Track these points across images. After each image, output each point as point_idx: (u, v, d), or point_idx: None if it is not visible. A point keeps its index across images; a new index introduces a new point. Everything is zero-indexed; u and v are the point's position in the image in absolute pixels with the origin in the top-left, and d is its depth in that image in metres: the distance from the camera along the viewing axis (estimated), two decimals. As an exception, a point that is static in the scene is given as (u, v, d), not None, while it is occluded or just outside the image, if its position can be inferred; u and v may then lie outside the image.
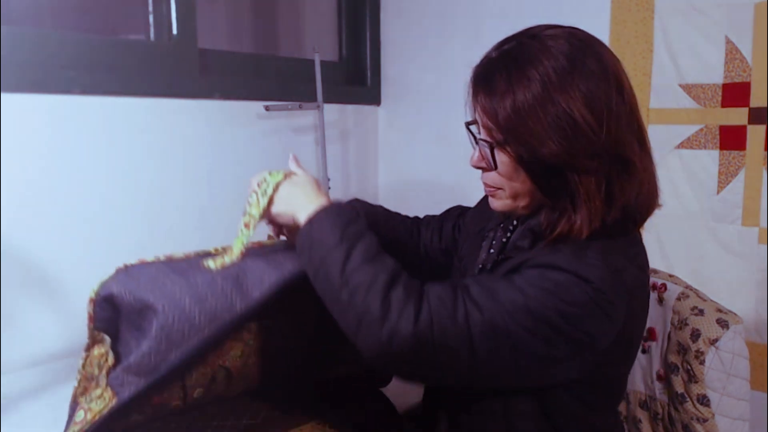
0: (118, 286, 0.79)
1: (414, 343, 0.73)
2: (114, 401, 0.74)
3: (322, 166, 1.58)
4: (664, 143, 1.36)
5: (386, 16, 1.85)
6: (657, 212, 1.21)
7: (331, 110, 1.73)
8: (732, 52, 1.26)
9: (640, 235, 0.89)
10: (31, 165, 1.17)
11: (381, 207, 1.16)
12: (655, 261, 1.37)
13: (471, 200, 1.11)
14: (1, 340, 1.15)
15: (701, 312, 0.97)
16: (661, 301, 1.03)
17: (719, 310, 0.96)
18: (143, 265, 0.82)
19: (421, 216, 1.20)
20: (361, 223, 0.83)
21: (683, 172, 1.35)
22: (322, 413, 0.94)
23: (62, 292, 1.22)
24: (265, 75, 1.65)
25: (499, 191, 0.86)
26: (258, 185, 0.87)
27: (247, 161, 1.48)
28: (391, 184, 1.89)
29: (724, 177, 1.30)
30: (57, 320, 1.21)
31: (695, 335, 0.95)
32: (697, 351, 0.94)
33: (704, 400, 0.94)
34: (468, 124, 0.91)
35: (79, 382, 0.84)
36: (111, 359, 0.80)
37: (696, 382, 0.94)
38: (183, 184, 1.39)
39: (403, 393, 1.26)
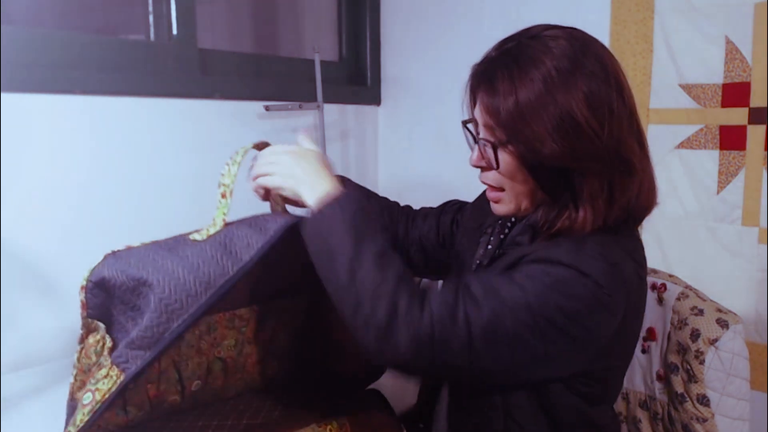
0: (108, 269, 0.79)
1: (416, 345, 0.73)
2: (122, 377, 0.74)
3: (322, 166, 1.58)
4: (664, 143, 1.36)
5: (386, 16, 1.85)
6: (657, 212, 1.22)
7: (331, 110, 1.73)
8: (732, 52, 1.26)
9: (637, 232, 0.90)
10: (31, 165, 1.17)
11: (367, 189, 1.16)
12: (655, 261, 1.37)
13: (471, 199, 1.11)
14: (1, 340, 1.15)
15: (701, 312, 0.97)
16: (660, 301, 1.03)
17: (719, 310, 0.96)
18: (131, 249, 0.83)
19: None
20: (373, 217, 0.82)
21: (683, 172, 1.35)
22: (322, 413, 0.94)
23: (62, 292, 1.22)
24: (265, 75, 1.65)
25: (503, 196, 0.86)
26: (231, 157, 0.87)
27: (247, 161, 1.47)
28: (391, 184, 1.89)
29: (724, 177, 1.30)
30: (57, 320, 1.21)
31: (695, 335, 0.95)
32: (697, 351, 0.94)
33: (704, 400, 0.94)
34: (465, 123, 0.91)
35: (75, 377, 0.84)
36: (109, 342, 0.80)
37: (696, 382, 0.94)
38: (183, 184, 1.39)
39: (401, 395, 1.27)
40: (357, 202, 0.81)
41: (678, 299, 1.01)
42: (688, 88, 1.33)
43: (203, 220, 0.84)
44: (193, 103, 1.41)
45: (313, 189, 0.82)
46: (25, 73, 1.15)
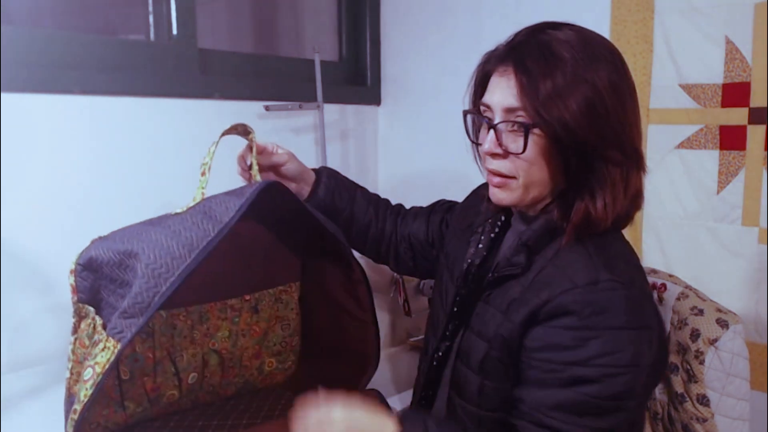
0: (96, 249, 0.82)
1: None
2: (119, 346, 0.75)
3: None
4: (664, 143, 1.36)
5: (386, 16, 1.85)
6: (657, 212, 1.24)
7: (331, 110, 1.73)
8: (732, 52, 1.26)
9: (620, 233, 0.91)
10: (31, 165, 1.17)
11: (353, 183, 1.16)
12: (655, 261, 1.37)
13: (471, 200, 1.11)
14: (1, 340, 1.15)
15: (701, 312, 0.97)
16: (660, 301, 1.03)
17: (719, 310, 0.96)
18: (116, 231, 0.86)
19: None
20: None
21: (683, 172, 1.35)
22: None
23: (63, 293, 1.22)
24: (265, 75, 1.65)
25: (511, 182, 0.85)
26: (214, 142, 0.92)
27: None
28: (391, 184, 1.89)
29: (724, 177, 1.30)
30: (57, 320, 1.21)
31: (695, 335, 0.95)
32: (697, 351, 0.94)
33: (704, 400, 0.94)
34: (470, 111, 0.90)
35: (71, 370, 0.85)
36: (99, 321, 0.81)
37: (696, 382, 0.94)
38: (184, 183, 1.38)
39: (399, 396, 1.27)
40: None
41: (678, 299, 1.01)
42: (688, 88, 1.33)
43: (203, 219, 0.86)
44: (193, 103, 1.41)
45: None
46: (25, 73, 1.15)
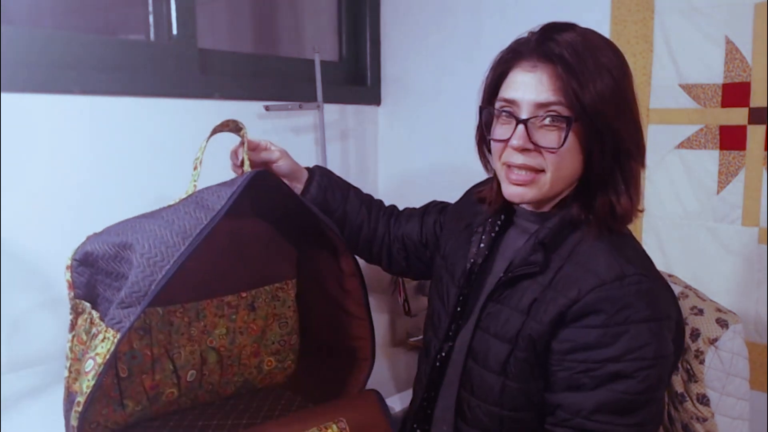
0: (91, 244, 0.83)
1: None
2: (118, 336, 0.76)
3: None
4: (664, 143, 1.36)
5: (386, 16, 1.85)
6: (657, 212, 1.24)
7: (331, 110, 1.73)
8: (732, 52, 1.26)
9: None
10: (31, 165, 1.17)
11: (346, 182, 1.17)
12: (655, 261, 1.36)
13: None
14: (1, 340, 1.15)
15: (701, 312, 0.97)
16: (660, 300, 1.03)
17: (718, 310, 0.96)
18: (110, 225, 0.87)
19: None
20: None
21: (683, 172, 1.35)
22: (322, 414, 0.94)
23: (62, 293, 1.22)
24: (265, 75, 1.65)
25: (540, 176, 0.85)
26: (206, 138, 0.96)
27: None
28: (391, 184, 1.89)
29: (724, 177, 1.30)
30: (57, 320, 1.21)
31: (695, 335, 0.95)
32: (697, 350, 0.94)
33: (704, 400, 0.94)
34: (487, 107, 0.90)
35: (70, 368, 0.85)
36: (96, 314, 0.82)
37: (696, 381, 0.94)
38: (183, 183, 1.38)
39: (398, 396, 1.27)
40: None
41: (678, 299, 1.01)
42: (688, 88, 1.33)
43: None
44: (193, 103, 1.41)
45: None
46: (25, 73, 1.15)
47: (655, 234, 1.39)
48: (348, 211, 1.14)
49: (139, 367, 0.95)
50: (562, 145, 0.82)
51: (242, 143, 1.00)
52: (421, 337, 1.43)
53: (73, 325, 0.86)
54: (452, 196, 1.18)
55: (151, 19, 1.42)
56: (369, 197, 1.20)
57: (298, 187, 1.10)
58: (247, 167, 1.00)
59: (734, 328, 0.94)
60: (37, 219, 1.19)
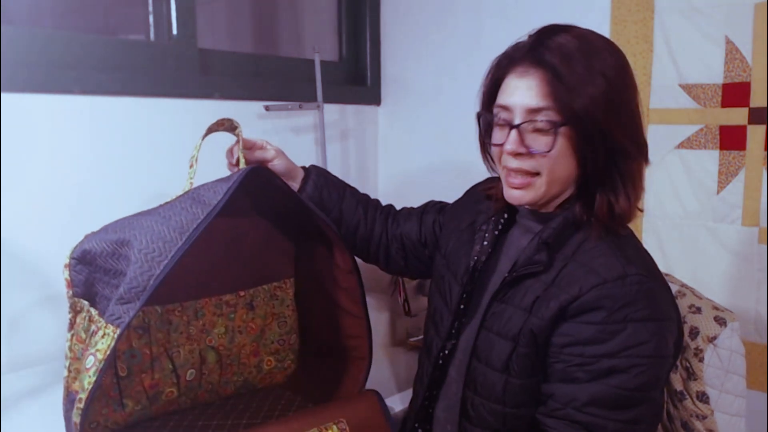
0: (89, 242, 0.84)
1: None
2: (118, 331, 0.76)
3: (322, 166, 1.58)
4: (664, 143, 1.36)
5: (386, 16, 1.85)
6: (657, 212, 1.24)
7: (331, 110, 1.73)
8: (732, 52, 1.26)
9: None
10: (31, 165, 1.17)
11: (341, 181, 1.18)
12: (655, 261, 1.37)
13: (471, 200, 1.11)
14: (1, 340, 1.15)
15: (698, 310, 0.97)
16: (660, 300, 1.03)
17: (715, 308, 0.97)
18: (108, 224, 0.88)
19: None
20: None
21: (683, 172, 1.35)
22: (322, 414, 0.94)
23: (62, 293, 1.22)
24: (265, 75, 1.65)
25: (534, 180, 0.87)
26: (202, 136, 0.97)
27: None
28: (391, 184, 1.89)
29: (724, 177, 1.30)
30: (57, 320, 1.21)
31: (694, 333, 0.95)
32: (696, 348, 0.94)
33: (704, 397, 0.94)
34: (484, 113, 0.91)
35: (69, 368, 0.85)
36: (95, 311, 0.82)
37: (695, 379, 0.95)
38: (183, 183, 1.39)
39: (398, 396, 1.27)
40: None
41: (675, 298, 1.01)
42: (688, 88, 1.33)
43: (203, 219, 0.86)
44: (193, 103, 1.41)
45: None
46: (25, 73, 1.15)
47: (655, 234, 1.39)
48: (344, 211, 1.14)
49: (139, 366, 0.95)
50: (552, 149, 0.83)
51: (238, 142, 1.01)
52: (421, 337, 1.43)
53: (71, 324, 0.86)
54: (452, 196, 1.18)
55: (151, 19, 1.42)
56: (366, 197, 1.20)
57: (294, 186, 1.11)
58: (242, 166, 1.00)
59: (732, 326, 0.94)
60: (37, 219, 1.19)
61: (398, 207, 1.23)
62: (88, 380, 0.76)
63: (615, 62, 0.84)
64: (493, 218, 0.99)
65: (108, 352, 0.76)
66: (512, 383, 0.87)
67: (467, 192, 1.14)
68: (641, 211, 0.91)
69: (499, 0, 1.58)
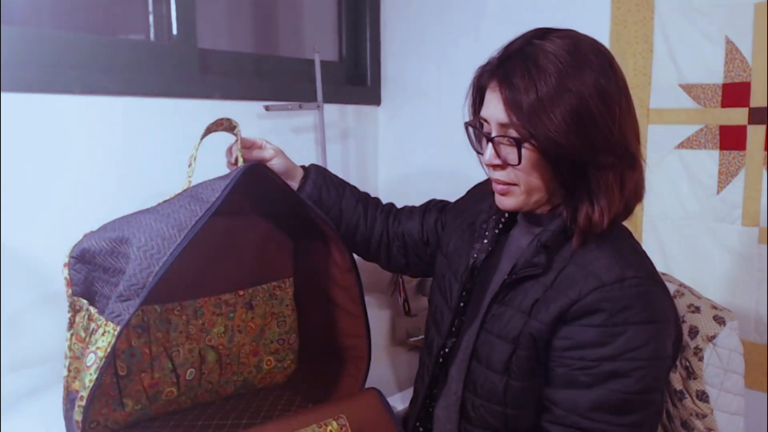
0: (88, 241, 0.84)
1: None
2: (118, 329, 0.77)
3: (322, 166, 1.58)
4: (664, 143, 1.36)
5: (386, 16, 1.85)
6: (657, 212, 1.24)
7: (331, 110, 1.73)
8: (732, 52, 1.26)
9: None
10: (31, 165, 1.17)
11: (341, 180, 1.18)
12: (655, 261, 1.36)
13: (470, 200, 1.11)
14: (1, 340, 1.15)
15: (697, 309, 0.97)
16: (659, 300, 1.03)
17: (714, 307, 0.97)
18: (106, 222, 0.88)
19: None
20: None
21: (683, 172, 1.35)
22: (322, 413, 0.94)
23: (62, 292, 1.22)
24: (265, 75, 1.65)
25: (514, 188, 0.88)
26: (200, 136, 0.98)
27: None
28: (390, 184, 1.89)
29: (724, 177, 1.30)
30: (57, 320, 1.21)
31: (693, 332, 0.95)
32: (696, 348, 0.94)
33: (703, 396, 0.94)
34: (470, 124, 0.92)
35: (69, 367, 0.85)
36: (94, 309, 0.83)
37: (695, 378, 0.95)
38: (183, 183, 1.39)
39: (399, 394, 1.27)
40: None
41: (674, 297, 1.01)
42: (688, 88, 1.33)
43: (203, 219, 0.86)
44: (193, 103, 1.41)
45: None
46: (25, 73, 1.15)
47: (655, 234, 1.39)
48: (344, 209, 1.14)
49: (138, 366, 0.95)
50: (520, 162, 0.84)
51: (237, 141, 1.01)
52: (421, 336, 1.43)
53: (71, 324, 0.86)
54: (452, 196, 1.18)
55: (151, 19, 1.42)
56: (366, 195, 1.20)
57: (293, 185, 1.11)
58: (241, 165, 1.00)
59: (731, 325, 0.95)
60: (37, 219, 1.19)
61: (399, 207, 1.23)
62: (89, 378, 0.76)
63: (595, 77, 0.81)
64: (493, 217, 1.00)
65: (109, 350, 0.76)
66: (513, 385, 0.87)
67: (469, 191, 1.14)
68: (630, 213, 0.89)
69: (498, 0, 1.58)
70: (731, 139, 1.29)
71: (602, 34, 1.40)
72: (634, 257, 0.87)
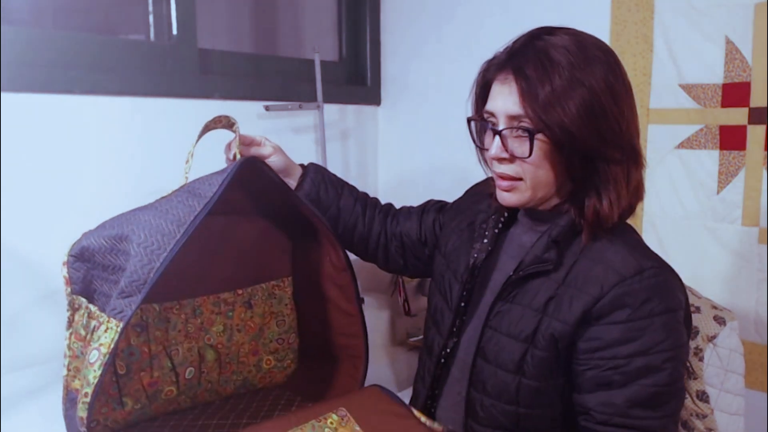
0: (87, 239, 0.85)
1: None
2: (121, 325, 0.77)
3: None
4: (664, 143, 1.36)
5: (386, 16, 1.85)
6: (657, 212, 1.23)
7: (331, 110, 1.73)
8: (732, 52, 1.26)
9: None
10: (31, 165, 1.17)
11: (339, 179, 1.18)
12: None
13: (471, 200, 1.11)
14: (1, 340, 1.15)
15: (698, 309, 0.97)
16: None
17: (714, 307, 0.97)
18: (105, 221, 0.88)
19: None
20: None
21: (683, 172, 1.35)
22: (322, 410, 0.93)
23: (62, 293, 1.22)
24: (265, 75, 1.65)
25: (519, 183, 0.88)
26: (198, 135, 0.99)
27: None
28: (391, 184, 1.89)
29: (724, 177, 1.30)
30: (57, 320, 1.21)
31: (694, 332, 0.95)
32: (696, 348, 0.94)
33: (703, 396, 0.94)
34: (473, 118, 0.92)
35: (68, 366, 0.85)
36: (94, 307, 0.83)
37: (695, 378, 0.95)
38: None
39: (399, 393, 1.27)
40: None
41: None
42: (688, 88, 1.33)
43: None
44: (193, 103, 1.40)
45: None
46: (25, 73, 1.15)
47: (655, 234, 1.39)
48: (342, 208, 1.14)
49: (137, 364, 0.95)
50: (531, 154, 0.84)
51: (235, 138, 1.02)
52: (421, 336, 1.43)
53: (70, 322, 0.87)
54: (452, 196, 1.18)
55: (151, 19, 1.42)
56: (364, 195, 1.20)
57: (291, 183, 1.11)
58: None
59: (731, 325, 0.95)
60: (38, 219, 1.19)
61: (398, 207, 1.23)
62: (93, 374, 0.76)
63: (604, 72, 0.83)
64: (493, 216, 1.00)
65: (112, 346, 0.76)
66: (526, 384, 0.87)
67: (467, 191, 1.14)
68: (633, 212, 0.90)
69: (499, 0, 1.58)
70: (731, 139, 1.29)
71: (602, 34, 1.39)
72: (645, 248, 0.89)
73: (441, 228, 1.13)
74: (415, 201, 1.23)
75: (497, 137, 0.87)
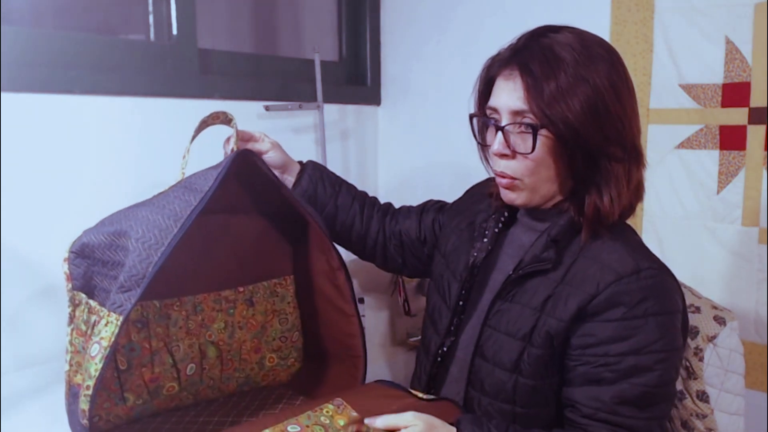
0: (87, 236, 0.86)
1: None
2: (121, 318, 0.78)
3: (322, 166, 1.58)
4: (664, 143, 1.36)
5: (386, 16, 1.85)
6: (657, 212, 1.23)
7: (331, 110, 1.73)
8: (732, 52, 1.26)
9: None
10: (31, 165, 1.17)
11: (338, 177, 1.18)
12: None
13: (471, 200, 1.11)
14: (1, 340, 1.15)
15: (698, 309, 0.97)
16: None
17: (714, 307, 0.97)
18: (104, 218, 0.90)
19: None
20: None
21: (683, 172, 1.35)
22: (317, 401, 0.93)
23: (62, 292, 1.22)
24: (265, 75, 1.65)
25: (518, 182, 0.88)
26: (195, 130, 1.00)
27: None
28: (391, 184, 1.90)
29: (724, 177, 1.30)
30: (57, 320, 1.21)
31: (694, 332, 0.95)
32: (696, 348, 0.94)
33: (703, 396, 0.94)
34: (476, 115, 0.92)
35: (70, 362, 0.86)
36: (94, 302, 0.84)
37: (695, 378, 0.95)
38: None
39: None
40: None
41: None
42: (688, 88, 1.33)
43: (203, 219, 0.86)
44: (193, 103, 1.40)
45: None
46: (25, 73, 1.15)
47: (655, 234, 1.39)
48: (339, 206, 1.14)
49: (138, 360, 0.95)
50: (533, 150, 0.84)
51: (233, 133, 1.02)
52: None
53: (71, 318, 0.87)
54: (452, 196, 1.18)
55: (151, 19, 1.42)
56: (363, 194, 1.20)
57: (289, 180, 1.11)
58: None
59: (731, 325, 0.95)
60: (38, 219, 1.19)
61: (397, 207, 1.23)
62: (95, 367, 0.77)
63: (608, 70, 0.84)
64: (493, 216, 1.00)
65: (113, 339, 0.77)
66: (523, 383, 0.87)
67: (467, 192, 1.14)
68: (633, 211, 0.91)
69: (499, 0, 1.58)
70: (731, 139, 1.29)
71: (602, 34, 1.39)
72: (645, 249, 0.89)
73: (440, 228, 1.13)
74: (415, 201, 1.23)
75: (500, 133, 0.87)
